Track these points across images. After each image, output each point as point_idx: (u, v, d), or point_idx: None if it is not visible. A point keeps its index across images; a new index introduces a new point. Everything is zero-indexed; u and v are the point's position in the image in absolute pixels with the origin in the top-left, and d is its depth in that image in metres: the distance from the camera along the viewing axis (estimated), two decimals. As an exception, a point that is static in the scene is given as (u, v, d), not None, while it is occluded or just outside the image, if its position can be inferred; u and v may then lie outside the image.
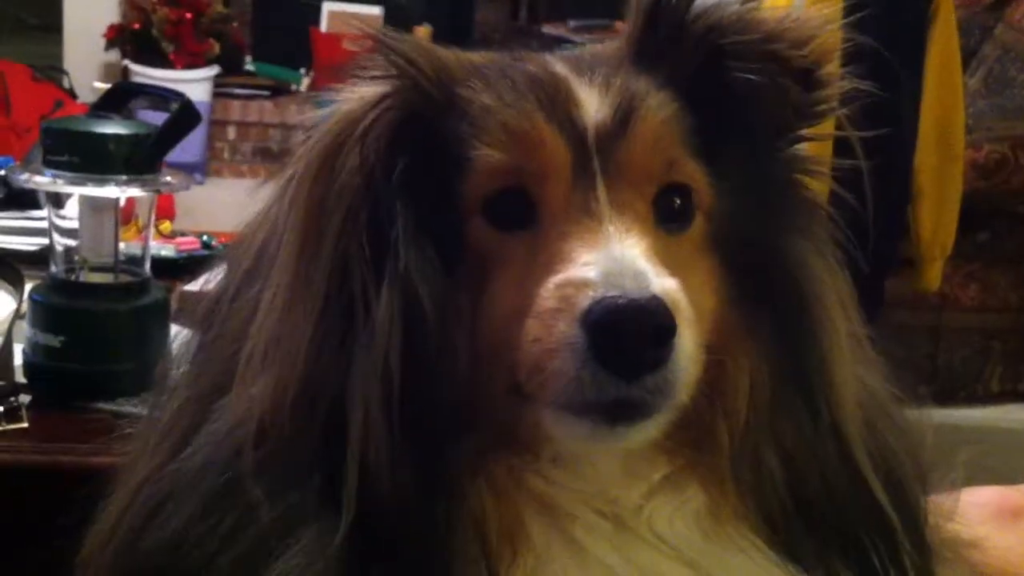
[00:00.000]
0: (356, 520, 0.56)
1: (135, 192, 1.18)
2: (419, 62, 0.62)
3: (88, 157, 1.15)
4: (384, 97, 0.61)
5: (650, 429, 0.58)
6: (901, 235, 2.44)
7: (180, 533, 0.59)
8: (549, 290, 0.56)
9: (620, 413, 0.56)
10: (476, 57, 0.65)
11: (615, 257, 0.56)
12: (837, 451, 0.62)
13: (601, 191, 0.59)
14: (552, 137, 0.60)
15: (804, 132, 0.68)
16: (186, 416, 0.64)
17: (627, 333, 0.54)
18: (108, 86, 1.65)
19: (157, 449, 0.64)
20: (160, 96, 1.24)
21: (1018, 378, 3.17)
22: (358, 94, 0.62)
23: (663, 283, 0.56)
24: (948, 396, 3.06)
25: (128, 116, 1.29)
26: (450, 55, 0.64)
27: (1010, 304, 3.13)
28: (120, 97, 1.28)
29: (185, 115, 1.17)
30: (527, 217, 0.60)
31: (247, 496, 0.57)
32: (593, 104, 0.61)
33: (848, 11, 2.13)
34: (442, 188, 0.60)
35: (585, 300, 0.54)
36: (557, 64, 0.64)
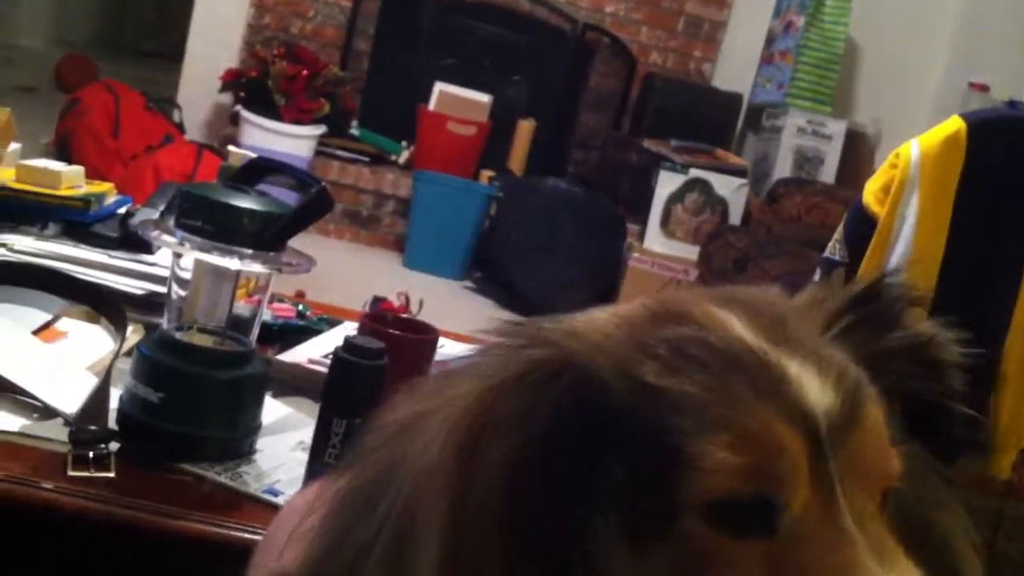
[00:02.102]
0: None
1: (258, 269, 1.21)
2: (573, 341, 0.55)
3: (220, 226, 1.19)
4: (541, 381, 0.53)
5: None
6: (981, 419, 2.41)
7: None
8: None
9: None
10: (620, 328, 0.57)
11: None
12: None
13: (841, 497, 0.54)
14: (790, 436, 0.53)
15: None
16: None
17: None
18: (241, 152, 1.70)
19: None
20: (297, 178, 1.28)
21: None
22: (488, 376, 0.54)
23: None
24: (1000, 584, 2.99)
25: (258, 190, 1.32)
26: (596, 329, 0.57)
27: (1075, 503, 3.06)
28: (257, 170, 1.32)
29: (320, 201, 1.21)
30: (761, 520, 0.53)
31: None
32: (814, 384, 0.55)
33: (961, 194, 2.10)
34: (641, 486, 0.53)
35: None
36: (740, 326, 0.57)
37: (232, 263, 1.20)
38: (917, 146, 2.26)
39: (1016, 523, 3.05)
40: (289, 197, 1.31)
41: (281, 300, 1.80)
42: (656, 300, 0.60)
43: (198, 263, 1.25)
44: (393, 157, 4.82)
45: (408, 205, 4.64)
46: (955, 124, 2.38)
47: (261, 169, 1.32)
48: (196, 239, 1.20)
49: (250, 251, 1.19)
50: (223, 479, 1.19)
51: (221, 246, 1.20)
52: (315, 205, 1.22)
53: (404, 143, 4.84)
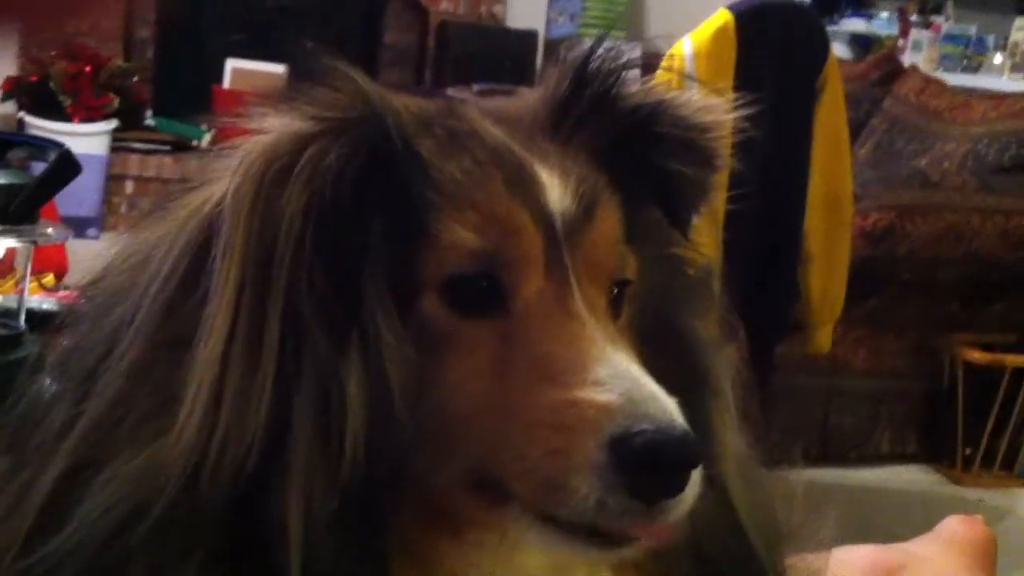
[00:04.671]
0: None
1: (11, 243, 1.15)
2: (376, 98, 0.57)
3: (-37, 207, 1.13)
4: (335, 129, 0.55)
5: (639, 547, 0.57)
6: (792, 300, 2.49)
7: None
8: (565, 404, 0.54)
9: (625, 536, 0.55)
10: (413, 104, 0.60)
11: (626, 376, 0.55)
12: (721, 505, 0.63)
13: (574, 285, 0.57)
14: (528, 225, 0.57)
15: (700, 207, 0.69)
16: (56, 491, 0.56)
17: (666, 466, 0.53)
18: (-10, 136, 1.62)
19: (19, 525, 0.57)
20: (39, 146, 1.22)
21: (906, 441, 3.24)
22: (293, 124, 0.55)
23: (676, 408, 0.55)
24: (839, 457, 3.12)
25: (11, 167, 1.26)
26: (398, 98, 0.59)
27: (898, 369, 3.21)
28: (3, 148, 1.25)
29: (64, 165, 1.15)
30: (494, 304, 0.57)
31: None
32: (556, 189, 0.59)
33: (740, 83, 2.19)
34: (394, 253, 0.55)
35: (614, 426, 0.53)
36: (494, 129, 0.60)
37: (-17, 242, 1.14)
38: (689, 43, 2.31)
39: (846, 397, 3.19)
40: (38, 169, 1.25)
41: (68, 288, 1.73)
42: (447, 98, 0.65)
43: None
44: (195, 142, 4.68)
45: (217, 188, 4.53)
46: (723, 16, 2.43)
47: (3, 146, 1.26)
48: (-60, 223, 1.13)
49: (3, 226, 1.13)
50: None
51: (-31, 226, 1.13)
52: (60, 170, 1.16)
53: (205, 127, 4.71)
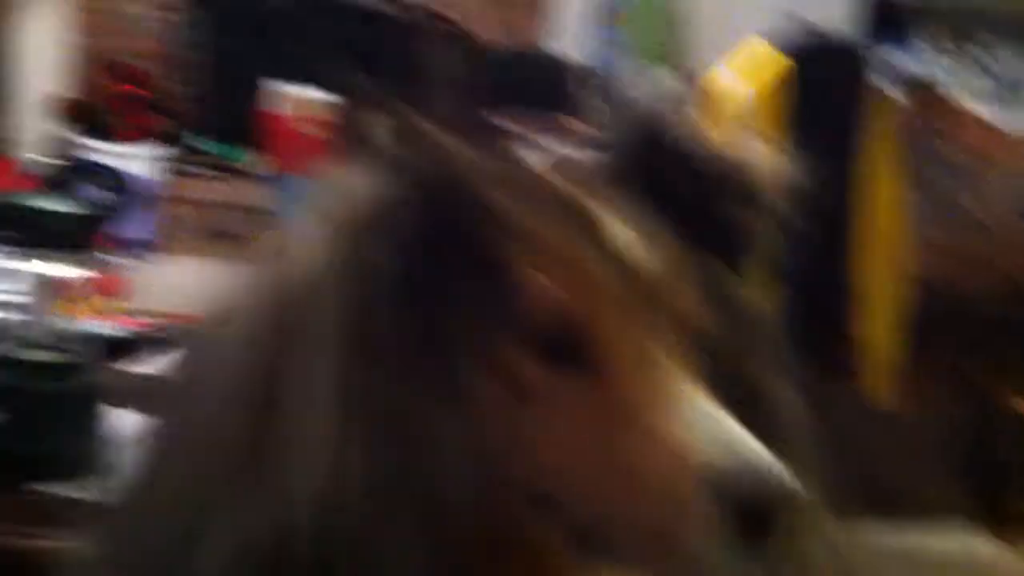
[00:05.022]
0: None
1: (72, 270, 1.18)
2: (455, 156, 0.59)
3: (27, 233, 1.15)
4: (418, 190, 0.57)
5: None
6: (848, 347, 2.48)
7: None
8: (663, 454, 0.55)
9: None
10: (487, 157, 0.63)
11: (719, 425, 0.56)
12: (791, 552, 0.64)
13: (655, 335, 0.59)
14: (609, 275, 0.60)
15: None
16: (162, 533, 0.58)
17: (770, 510, 0.55)
18: (50, 160, 1.65)
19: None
20: (98, 173, 1.25)
21: (959, 493, 3.19)
22: (375, 187, 0.58)
23: (769, 453, 0.55)
24: (892, 508, 3.06)
25: (71, 193, 1.29)
26: (472, 150, 0.61)
27: (952, 419, 3.16)
28: (64, 174, 1.28)
29: (122, 192, 1.18)
30: (580, 355, 0.58)
31: None
32: (631, 239, 0.61)
33: (794, 124, 2.19)
34: (482, 309, 0.57)
35: (714, 474, 0.54)
36: (563, 179, 0.63)
37: (46, 268, 1.17)
38: (741, 81, 2.32)
39: (898, 446, 3.15)
40: (101, 196, 1.27)
41: (131, 313, 1.76)
42: (517, 151, 0.67)
43: (19, 278, 1.21)
44: (240, 165, 4.73)
45: (265, 212, 4.56)
46: (777, 56, 2.44)
47: (67, 171, 1.28)
48: (3, 248, 1.16)
49: (62, 253, 1.16)
50: (74, 494, 1.15)
51: (33, 252, 1.16)
52: (118, 197, 1.18)
53: (250, 149, 4.75)
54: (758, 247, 0.69)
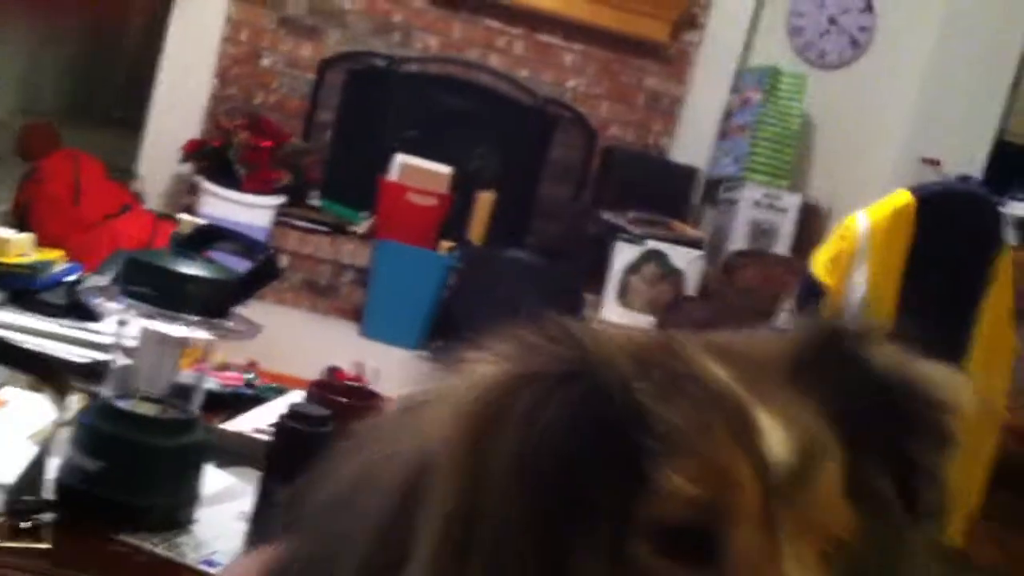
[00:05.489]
0: None
1: (202, 335, 1.21)
2: (593, 348, 0.56)
3: (166, 293, 1.18)
4: (552, 379, 0.54)
5: None
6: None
7: None
8: None
9: None
10: (630, 343, 0.60)
11: None
12: None
13: (787, 543, 0.56)
14: (747, 475, 0.56)
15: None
16: None
17: None
18: (193, 219, 1.70)
19: None
20: (244, 243, 1.28)
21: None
22: (508, 371, 0.55)
23: None
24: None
25: (204, 256, 1.32)
26: (615, 338, 0.59)
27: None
28: (206, 236, 1.32)
29: (267, 268, 1.21)
30: (706, 555, 0.56)
31: None
32: (777, 439, 0.57)
33: (911, 266, 2.14)
34: (608, 501, 0.54)
35: None
36: (719, 369, 0.59)
37: (177, 330, 1.20)
38: (866, 218, 2.30)
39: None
40: (239, 264, 1.30)
41: (229, 368, 1.79)
42: (657, 331, 0.63)
43: (144, 330, 1.24)
44: (353, 227, 4.82)
45: (367, 275, 4.63)
46: (904, 197, 2.42)
47: (210, 236, 1.32)
48: (141, 305, 1.19)
49: (195, 318, 1.19)
50: (160, 550, 1.17)
51: (166, 312, 1.19)
52: (262, 272, 1.22)
53: (364, 213, 4.85)
54: (931, 467, 0.65)
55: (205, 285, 1.19)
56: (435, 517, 0.53)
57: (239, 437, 1.48)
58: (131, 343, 1.26)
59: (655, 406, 0.56)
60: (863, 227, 2.17)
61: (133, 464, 1.20)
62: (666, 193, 5.07)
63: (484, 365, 0.56)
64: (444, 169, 4.83)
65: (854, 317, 0.64)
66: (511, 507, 0.52)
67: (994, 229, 2.45)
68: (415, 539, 0.53)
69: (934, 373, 0.64)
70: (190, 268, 1.20)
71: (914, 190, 2.26)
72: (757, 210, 4.95)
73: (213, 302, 1.19)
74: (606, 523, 0.54)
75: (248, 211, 4.49)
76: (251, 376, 1.77)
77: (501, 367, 0.56)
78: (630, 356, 0.58)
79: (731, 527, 0.56)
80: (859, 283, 2.15)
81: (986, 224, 2.45)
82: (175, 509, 1.23)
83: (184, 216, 1.80)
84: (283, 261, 4.73)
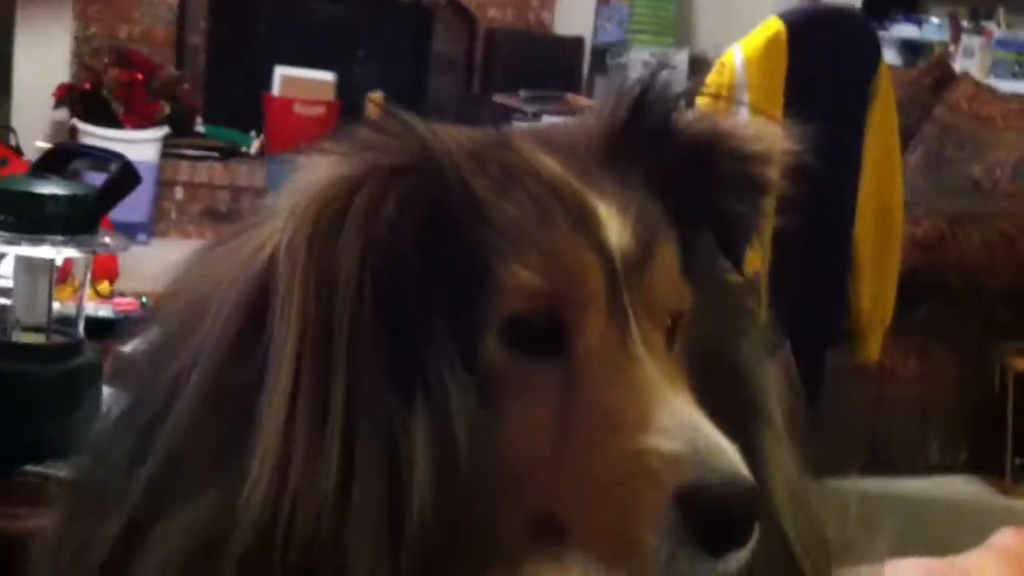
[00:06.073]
0: None
1: (71, 253, 1.18)
2: (430, 140, 0.56)
3: (25, 217, 1.15)
4: (389, 173, 0.53)
5: None
6: (843, 309, 2.48)
7: None
8: (630, 455, 0.53)
9: None
10: (466, 139, 0.59)
11: (690, 425, 0.54)
12: (771, 533, 0.63)
13: (634, 327, 0.56)
14: (589, 262, 0.56)
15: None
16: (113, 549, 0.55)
17: (734, 520, 0.53)
18: (50, 146, 1.65)
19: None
20: (100, 157, 1.24)
21: (955, 451, 3.21)
22: (345, 169, 0.54)
23: (739, 457, 0.54)
24: (888, 467, 3.09)
25: (71, 177, 1.28)
26: (450, 135, 0.58)
27: (947, 379, 3.18)
28: (61, 157, 1.28)
29: (124, 177, 1.18)
30: (554, 345, 0.56)
31: None
32: (615, 226, 0.58)
33: (791, 91, 2.17)
34: (454, 297, 0.54)
35: (679, 478, 0.53)
36: (550, 160, 0.59)
37: (45, 251, 1.17)
38: (740, 51, 2.30)
39: (895, 405, 3.16)
40: (101, 180, 1.27)
41: (123, 295, 1.76)
42: (496, 130, 0.64)
43: (16, 261, 1.21)
44: (244, 149, 4.73)
45: (266, 194, 4.56)
46: (775, 25, 2.42)
47: (65, 155, 1.28)
48: (3, 233, 1.16)
49: (61, 237, 1.16)
50: (66, 474, 1.15)
51: (31, 236, 1.16)
52: (121, 182, 1.18)
53: (253, 133, 4.76)
54: (757, 227, 0.66)
55: (64, 202, 1.15)
56: (285, 339, 0.52)
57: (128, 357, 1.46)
58: (5, 282, 1.23)
59: (493, 199, 0.56)
60: (739, 60, 2.17)
61: (23, 395, 1.18)
62: (555, 68, 5.03)
63: (322, 167, 0.55)
64: (327, 76, 4.73)
65: (653, 86, 0.63)
66: (360, 310, 0.51)
67: (867, 46, 2.47)
68: (267, 359, 0.52)
69: (743, 127, 0.65)
70: (46, 188, 1.16)
71: (783, 16, 2.26)
72: (647, 71, 4.94)
73: (75, 218, 1.16)
74: (454, 320, 0.54)
75: (132, 147, 4.35)
76: (146, 300, 1.75)
77: (339, 166, 0.55)
78: (466, 151, 0.58)
79: (578, 315, 0.56)
80: (741, 115, 2.16)
81: (857, 41, 2.46)
82: (76, 434, 1.21)
83: (40, 143, 1.75)
84: (178, 193, 4.64)
